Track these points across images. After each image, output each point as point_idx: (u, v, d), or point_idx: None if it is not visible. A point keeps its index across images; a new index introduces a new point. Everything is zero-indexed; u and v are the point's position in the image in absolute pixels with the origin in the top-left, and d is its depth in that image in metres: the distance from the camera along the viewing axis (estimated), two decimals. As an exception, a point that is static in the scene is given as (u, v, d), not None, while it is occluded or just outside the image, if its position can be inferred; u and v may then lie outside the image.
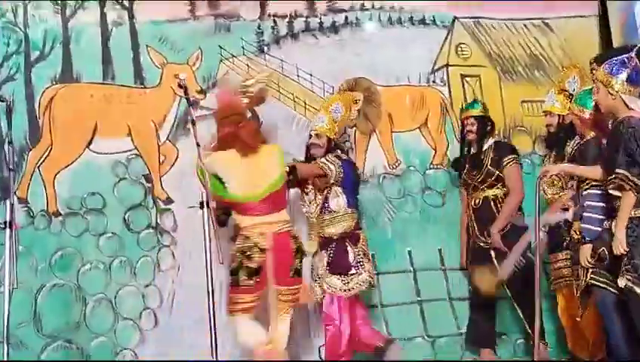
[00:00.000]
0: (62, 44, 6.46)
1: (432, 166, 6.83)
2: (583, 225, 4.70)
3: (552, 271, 5.91)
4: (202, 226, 4.58)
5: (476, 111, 6.29)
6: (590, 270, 4.67)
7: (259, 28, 6.81)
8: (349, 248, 5.71)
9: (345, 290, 5.64)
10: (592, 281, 4.68)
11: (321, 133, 5.89)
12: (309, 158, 5.97)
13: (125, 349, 6.14)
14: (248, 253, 5.05)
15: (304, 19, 6.88)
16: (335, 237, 5.78)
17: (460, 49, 7.03)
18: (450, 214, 6.68)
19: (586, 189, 4.78)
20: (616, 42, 6.70)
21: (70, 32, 6.49)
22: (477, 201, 6.19)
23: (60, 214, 6.26)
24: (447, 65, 6.99)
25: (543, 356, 5.97)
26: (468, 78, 7.01)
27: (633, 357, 4.56)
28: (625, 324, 4.55)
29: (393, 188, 6.73)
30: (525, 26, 7.07)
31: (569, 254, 5.55)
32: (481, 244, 6.12)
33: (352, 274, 5.66)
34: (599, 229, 4.62)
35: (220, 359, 4.52)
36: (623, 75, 4.38)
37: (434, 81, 6.95)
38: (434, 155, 6.85)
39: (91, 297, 6.16)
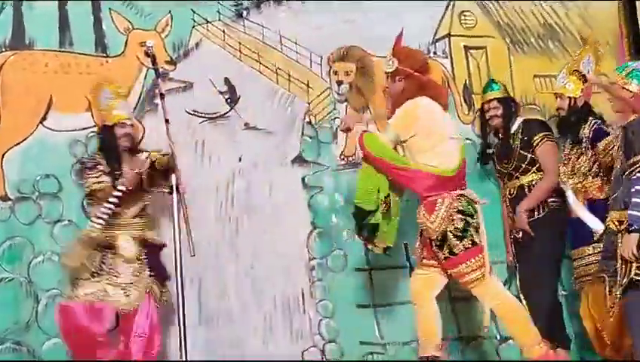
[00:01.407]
0: (12, 4, 6.32)
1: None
2: (630, 212, 4.57)
3: (577, 268, 5.89)
4: (171, 213, 4.49)
5: (497, 93, 6.35)
6: (635, 264, 4.59)
7: (237, -11, 6.72)
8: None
9: None
10: (638, 276, 4.60)
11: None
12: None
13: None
14: None
15: (289, -21, 6.81)
16: None
17: (463, 17, 7.07)
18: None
19: (637, 172, 4.66)
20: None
21: (24, -9, 6.36)
22: (512, 191, 6.22)
23: (9, 199, 6.10)
24: (449, 35, 7.02)
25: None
26: (472, 50, 7.05)
27: None
28: None
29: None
30: (540, -9, 7.03)
31: (597, 248, 5.54)
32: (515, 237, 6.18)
33: None
34: None
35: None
36: None
37: (435, 53, 6.95)
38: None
39: (44, 293, 5.99)
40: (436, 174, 5.17)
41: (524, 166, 6.09)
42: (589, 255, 5.73)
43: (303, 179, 6.58)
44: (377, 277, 6.50)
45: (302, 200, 6.56)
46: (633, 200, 4.62)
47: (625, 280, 4.68)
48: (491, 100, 6.28)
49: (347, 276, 6.48)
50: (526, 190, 6.08)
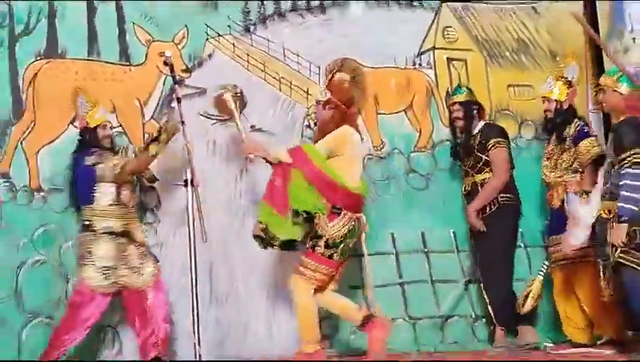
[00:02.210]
0: (47, 18, 6.36)
1: (416, 149, 6.80)
2: (619, 204, 4.59)
3: (553, 253, 5.86)
4: (186, 204, 4.52)
5: (461, 97, 6.34)
6: (619, 249, 4.60)
7: (246, 7, 6.77)
8: None
9: None
10: (621, 260, 4.61)
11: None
12: None
13: (107, 327, 6.05)
14: None
15: (291, -2, 6.86)
16: None
17: (446, 32, 7.02)
18: (433, 197, 6.71)
19: (626, 167, 4.63)
20: (603, 26, 6.69)
21: (56, 7, 6.39)
22: (467, 187, 6.26)
23: (43, 190, 6.17)
24: (433, 49, 6.97)
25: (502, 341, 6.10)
26: (454, 62, 6.99)
27: None
28: None
29: (377, 170, 6.71)
30: (513, 10, 7.06)
31: None
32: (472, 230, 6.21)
33: None
34: (636, 208, 4.57)
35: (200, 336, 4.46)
36: None
37: (420, 64, 6.93)
38: (418, 138, 6.84)
39: (73, 274, 5.97)
40: (351, 192, 5.24)
41: (479, 165, 6.14)
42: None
43: None
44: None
45: None
46: (622, 193, 4.60)
47: (611, 262, 4.70)
48: (455, 103, 6.32)
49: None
50: (479, 187, 6.14)
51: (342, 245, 5.20)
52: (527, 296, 5.79)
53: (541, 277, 5.82)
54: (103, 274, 5.40)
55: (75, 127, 6.15)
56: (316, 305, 5.32)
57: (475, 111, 6.29)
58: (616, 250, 4.62)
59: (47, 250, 6.07)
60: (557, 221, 5.78)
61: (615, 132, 4.82)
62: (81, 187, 5.63)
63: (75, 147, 5.74)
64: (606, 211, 4.76)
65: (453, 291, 6.57)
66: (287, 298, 6.27)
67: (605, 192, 4.90)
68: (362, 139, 5.56)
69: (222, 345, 6.09)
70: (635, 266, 4.55)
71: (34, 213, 6.11)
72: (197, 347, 4.04)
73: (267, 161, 5.29)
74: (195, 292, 4.26)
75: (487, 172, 6.11)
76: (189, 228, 4.32)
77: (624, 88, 4.86)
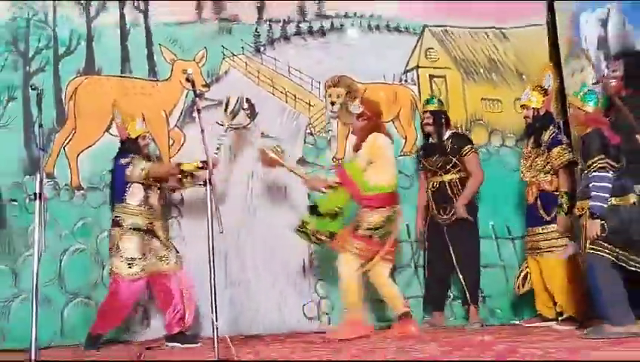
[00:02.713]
0: (86, 41, 6.47)
1: (402, 153, 6.77)
2: (591, 203, 4.59)
3: (528, 243, 5.90)
4: (205, 201, 4.55)
5: (432, 106, 6.35)
6: (589, 241, 4.59)
7: (256, 31, 6.80)
8: None
9: None
10: (592, 250, 4.59)
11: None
12: None
13: (138, 305, 6.06)
14: None
15: (295, 23, 6.87)
16: None
17: (428, 53, 6.98)
18: (416, 194, 6.62)
19: (593, 171, 4.65)
20: (563, 49, 6.69)
21: (93, 31, 6.50)
22: (435, 185, 6.25)
23: (82, 188, 6.25)
24: (417, 67, 6.94)
25: (475, 318, 6.11)
26: (435, 79, 6.96)
27: (618, 311, 4.51)
28: (615, 286, 4.54)
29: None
30: (485, 34, 7.04)
31: (546, 229, 5.71)
32: (438, 220, 6.19)
33: None
34: (605, 206, 4.57)
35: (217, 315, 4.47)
36: None
37: (406, 81, 6.91)
38: (404, 144, 6.82)
39: (107, 261, 5.99)
40: (384, 194, 5.50)
41: (447, 167, 6.16)
42: (539, 233, 5.75)
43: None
44: None
45: (303, 191, 6.39)
46: (592, 193, 4.61)
47: (584, 252, 4.69)
48: (426, 111, 6.32)
49: None
50: (446, 185, 6.17)
51: (380, 229, 5.44)
52: (524, 279, 5.90)
53: (527, 264, 5.93)
54: (128, 264, 5.45)
55: (111, 134, 6.24)
56: (359, 278, 5.45)
57: (442, 120, 6.29)
58: (586, 241, 4.62)
59: (85, 240, 6.16)
60: (531, 214, 5.85)
61: (583, 143, 4.83)
62: (115, 187, 5.69)
63: (116, 153, 5.78)
64: (580, 209, 4.77)
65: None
66: (291, 281, 6.39)
67: (578, 193, 4.93)
68: (392, 140, 5.72)
69: (236, 323, 6.11)
70: (603, 254, 4.53)
71: (74, 208, 6.19)
72: (214, 324, 4.08)
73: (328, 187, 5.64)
74: (212, 277, 4.29)
75: (453, 173, 6.16)
76: (207, 221, 4.37)
77: (589, 107, 4.86)
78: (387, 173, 5.54)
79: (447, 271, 6.20)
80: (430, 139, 6.34)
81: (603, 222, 4.56)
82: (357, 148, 5.61)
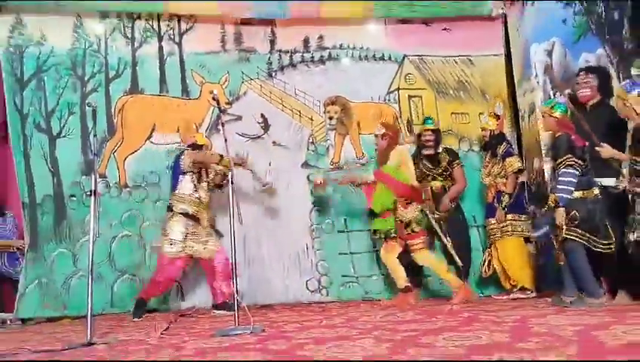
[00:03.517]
0: (131, 67, 6.45)
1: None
2: (558, 195, 4.53)
3: (488, 231, 5.91)
4: (228, 197, 4.53)
5: (431, 125, 6.29)
6: (565, 227, 4.52)
7: (269, 60, 6.77)
8: None
9: None
10: (568, 236, 4.52)
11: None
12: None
13: (174, 282, 6.01)
14: None
15: (301, 54, 6.82)
16: None
17: (407, 77, 6.92)
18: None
19: (562, 168, 4.57)
20: (516, 73, 6.68)
21: (137, 59, 6.48)
22: (437, 186, 6.16)
23: (128, 186, 6.25)
24: (398, 89, 6.88)
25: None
26: (413, 98, 6.89)
27: (594, 286, 4.51)
28: (588, 265, 4.53)
29: (359, 173, 6.63)
30: (455, 61, 6.99)
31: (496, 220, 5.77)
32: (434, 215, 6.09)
33: None
34: (571, 197, 4.52)
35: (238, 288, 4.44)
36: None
37: (389, 100, 6.85)
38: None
39: (149, 244, 6.11)
40: (415, 187, 5.59)
41: (445, 174, 6.17)
42: (494, 223, 5.78)
43: (307, 177, 6.55)
44: (352, 236, 6.48)
45: (307, 188, 6.53)
46: (559, 186, 4.56)
47: (560, 237, 4.57)
48: (427, 130, 6.24)
49: (334, 235, 6.48)
50: (445, 188, 6.15)
51: (417, 221, 5.51)
52: (489, 265, 5.87)
53: (489, 250, 5.92)
54: (170, 243, 5.41)
55: (152, 142, 6.30)
56: (392, 259, 5.53)
57: (439, 136, 6.30)
58: (561, 229, 4.54)
59: (130, 228, 6.15)
60: (489, 210, 5.89)
61: (553, 144, 4.78)
62: (172, 177, 5.69)
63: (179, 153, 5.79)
64: (552, 201, 4.65)
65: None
66: (296, 262, 6.37)
67: (551, 188, 4.87)
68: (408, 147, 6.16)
69: (255, 295, 6.08)
70: (574, 238, 4.50)
71: (122, 202, 6.19)
72: (236, 295, 4.06)
73: (357, 185, 5.84)
74: (234, 258, 4.27)
75: (440, 180, 6.15)
76: (230, 213, 4.34)
77: (558, 114, 4.75)
78: (412, 173, 5.65)
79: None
80: (426, 152, 6.23)
81: (571, 211, 4.51)
82: (384, 160, 5.62)
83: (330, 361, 2.72)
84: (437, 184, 6.17)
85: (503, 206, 5.73)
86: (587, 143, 4.69)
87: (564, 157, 4.57)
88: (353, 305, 5.72)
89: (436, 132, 6.29)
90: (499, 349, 2.70)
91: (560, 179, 4.57)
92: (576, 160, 4.54)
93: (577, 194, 4.55)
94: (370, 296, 6.23)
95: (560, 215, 4.54)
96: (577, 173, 4.54)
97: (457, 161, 6.23)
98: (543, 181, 6.03)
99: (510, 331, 3.22)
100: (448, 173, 6.19)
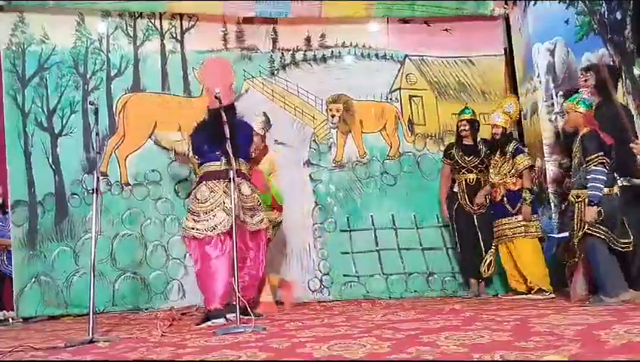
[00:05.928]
0: (133, 65, 6.43)
1: (388, 157, 6.75)
2: (589, 192, 4.50)
3: (497, 231, 5.81)
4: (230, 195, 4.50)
5: (467, 115, 6.21)
6: (586, 224, 4.50)
7: (271, 58, 6.76)
8: None
9: None
10: (590, 231, 4.51)
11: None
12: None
13: (174, 280, 6.11)
14: None
15: (303, 52, 6.82)
16: None
17: (408, 77, 6.93)
18: (400, 190, 6.66)
19: (593, 165, 4.54)
20: (519, 73, 6.69)
21: (139, 57, 6.47)
22: (470, 180, 6.12)
23: (129, 184, 6.23)
24: (400, 88, 6.89)
25: (474, 288, 6.10)
26: (414, 98, 6.91)
27: (613, 284, 4.46)
28: (609, 262, 4.50)
29: (361, 171, 6.69)
30: (455, 61, 7.00)
31: (512, 219, 5.69)
32: (469, 210, 6.08)
33: None
34: (601, 195, 4.49)
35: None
36: None
37: (391, 99, 6.85)
38: (389, 150, 6.79)
39: (150, 243, 6.13)
40: None
41: (480, 166, 6.10)
42: (505, 224, 5.72)
43: (310, 175, 6.59)
44: (354, 235, 6.50)
45: (309, 187, 6.55)
46: (590, 184, 4.51)
47: (580, 233, 4.58)
48: (463, 120, 6.17)
49: (336, 234, 6.48)
50: (481, 181, 6.09)
51: None
52: (488, 265, 5.84)
53: (493, 251, 5.87)
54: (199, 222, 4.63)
55: (153, 141, 6.27)
56: None
57: (476, 127, 6.21)
58: (584, 225, 4.53)
59: (132, 226, 6.14)
60: (498, 210, 5.81)
61: (582, 141, 4.70)
62: None
63: None
64: (574, 197, 4.67)
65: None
66: (299, 257, 6.38)
67: (574, 183, 4.81)
68: None
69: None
70: (598, 235, 4.48)
71: (123, 200, 6.17)
72: (237, 293, 4.05)
73: None
74: (235, 257, 4.26)
75: (481, 171, 6.10)
76: (232, 211, 4.32)
77: (582, 109, 4.74)
78: None
79: (474, 249, 6.06)
80: (464, 142, 6.19)
81: (599, 208, 4.50)
82: None
83: (332, 360, 2.71)
84: (471, 176, 6.12)
85: (528, 202, 5.62)
86: (614, 141, 4.65)
87: (596, 155, 4.55)
88: (355, 304, 5.71)
89: (472, 122, 6.19)
90: (500, 348, 2.69)
91: (592, 176, 4.54)
92: (606, 158, 4.53)
93: (603, 191, 4.55)
94: (371, 295, 6.22)
95: (593, 212, 4.50)
96: (606, 171, 4.53)
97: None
98: (545, 180, 6.04)
99: (512, 330, 3.22)
100: (484, 165, 6.08)
